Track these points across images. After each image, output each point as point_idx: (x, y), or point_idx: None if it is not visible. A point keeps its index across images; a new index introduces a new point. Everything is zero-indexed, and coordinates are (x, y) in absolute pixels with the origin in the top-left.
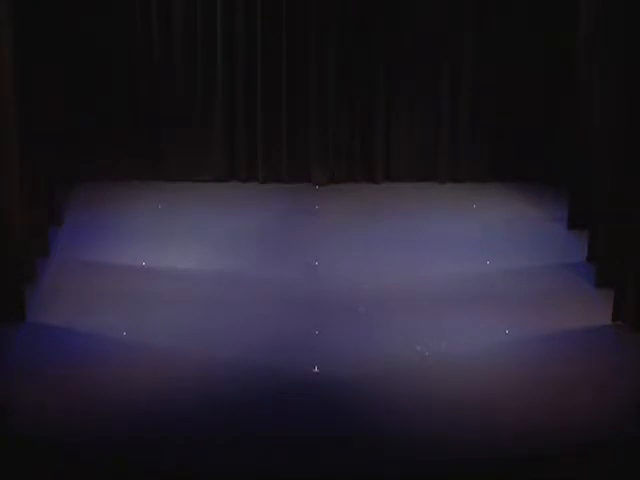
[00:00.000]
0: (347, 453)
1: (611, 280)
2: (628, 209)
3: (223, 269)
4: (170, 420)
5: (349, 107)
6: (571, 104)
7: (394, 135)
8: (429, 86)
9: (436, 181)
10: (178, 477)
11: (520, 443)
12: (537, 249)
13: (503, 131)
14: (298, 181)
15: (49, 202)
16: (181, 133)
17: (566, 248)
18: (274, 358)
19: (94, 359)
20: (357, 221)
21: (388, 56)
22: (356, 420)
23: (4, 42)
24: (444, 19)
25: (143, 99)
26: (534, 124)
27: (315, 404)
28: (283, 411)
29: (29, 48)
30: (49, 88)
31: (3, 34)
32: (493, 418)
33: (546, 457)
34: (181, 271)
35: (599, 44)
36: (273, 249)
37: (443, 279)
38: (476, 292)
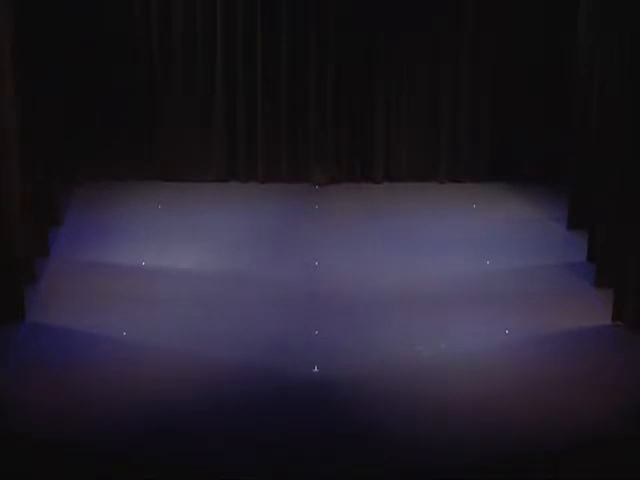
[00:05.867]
0: (347, 453)
1: (611, 280)
2: (628, 209)
3: (223, 269)
4: (170, 420)
5: (349, 107)
6: (571, 104)
7: (394, 135)
8: (429, 86)
9: (436, 181)
10: (178, 477)
11: (520, 443)
12: (537, 249)
13: (503, 131)
14: (298, 181)
15: (49, 202)
16: (181, 133)
17: (566, 248)
18: (274, 358)
19: (94, 359)
20: (357, 221)
21: (388, 56)
22: (356, 420)
23: (4, 42)
24: (444, 19)
25: (143, 99)
26: (534, 124)
27: (315, 404)
28: (283, 411)
29: (29, 48)
30: (49, 88)
31: (3, 34)
32: (493, 418)
33: (546, 457)
34: (181, 271)
35: (599, 44)
36: (273, 249)
37: (443, 279)
38: (476, 292)
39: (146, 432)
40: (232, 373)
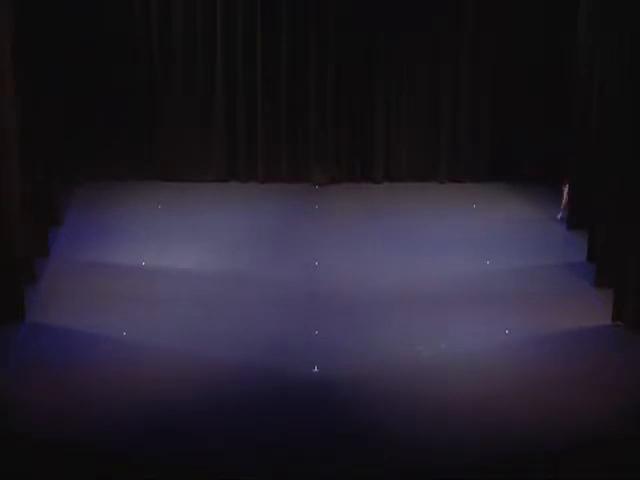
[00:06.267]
0: (347, 453)
1: (611, 280)
2: (628, 209)
3: (223, 269)
4: (170, 420)
5: (349, 107)
6: (571, 104)
7: (394, 135)
8: (429, 86)
9: (436, 181)
10: (178, 477)
11: (520, 443)
12: (537, 249)
13: (503, 131)
14: (298, 181)
15: (49, 202)
16: (181, 133)
17: (566, 248)
18: (274, 358)
19: (94, 359)
20: (357, 221)
21: (388, 56)
22: (356, 420)
23: (4, 42)
24: (444, 19)
25: (143, 99)
26: (534, 124)
27: (315, 404)
28: (283, 411)
29: (29, 48)
30: (49, 88)
31: (3, 34)
32: (493, 418)
33: (546, 457)
34: (181, 271)
35: (599, 44)
36: (273, 249)
37: (443, 279)
38: (476, 292)
39: (146, 432)
40: (232, 373)
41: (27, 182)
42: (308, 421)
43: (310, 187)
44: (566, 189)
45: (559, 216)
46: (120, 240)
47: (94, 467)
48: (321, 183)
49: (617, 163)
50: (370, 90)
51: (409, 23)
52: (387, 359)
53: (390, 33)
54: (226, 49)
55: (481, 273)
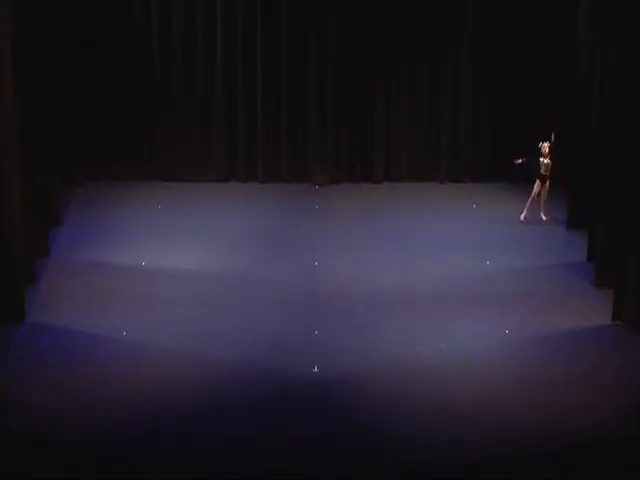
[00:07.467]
0: (347, 453)
1: (611, 280)
2: (628, 209)
3: (223, 269)
4: (170, 420)
5: (349, 107)
6: (571, 104)
7: (394, 135)
8: (429, 86)
9: (436, 181)
10: (178, 477)
11: (520, 443)
12: (537, 249)
13: (503, 131)
14: (298, 181)
15: (49, 202)
16: (181, 133)
17: (566, 248)
18: (274, 358)
19: (94, 359)
20: (357, 221)
21: (388, 56)
22: (356, 420)
23: (4, 42)
24: (444, 19)
25: (143, 99)
26: (534, 124)
27: (315, 404)
28: (283, 411)
29: (29, 48)
30: (49, 88)
31: (3, 34)
32: (493, 418)
33: (546, 457)
34: (181, 271)
35: (599, 44)
36: (273, 249)
37: (443, 279)
38: (476, 292)
39: (146, 432)
40: (232, 373)
41: (27, 182)
42: (308, 421)
43: (310, 187)
44: (536, 185)
45: (522, 216)
46: (120, 240)
47: (94, 467)
48: (321, 183)
49: (617, 163)
50: (370, 90)
51: (409, 23)
52: (387, 359)
53: (390, 33)
54: (226, 49)
55: (481, 273)
